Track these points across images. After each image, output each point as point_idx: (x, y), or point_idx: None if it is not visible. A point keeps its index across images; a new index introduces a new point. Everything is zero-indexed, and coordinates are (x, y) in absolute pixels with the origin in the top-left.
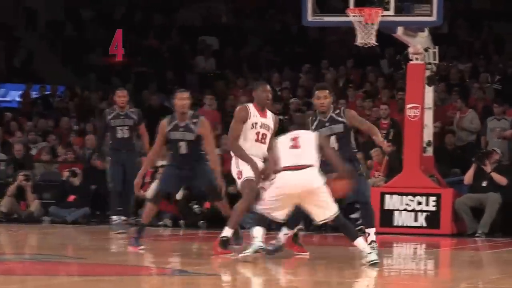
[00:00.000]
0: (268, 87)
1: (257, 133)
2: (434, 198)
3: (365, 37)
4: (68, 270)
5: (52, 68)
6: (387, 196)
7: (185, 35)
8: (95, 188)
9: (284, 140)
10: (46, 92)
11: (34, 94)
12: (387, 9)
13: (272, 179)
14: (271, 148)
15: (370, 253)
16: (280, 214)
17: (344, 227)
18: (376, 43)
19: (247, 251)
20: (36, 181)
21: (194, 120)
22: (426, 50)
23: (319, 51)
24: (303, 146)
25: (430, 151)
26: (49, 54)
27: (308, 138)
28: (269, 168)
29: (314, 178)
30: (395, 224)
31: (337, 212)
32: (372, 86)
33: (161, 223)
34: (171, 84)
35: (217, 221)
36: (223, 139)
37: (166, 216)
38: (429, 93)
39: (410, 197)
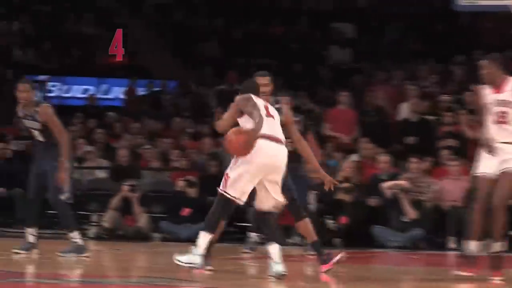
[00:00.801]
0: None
1: None
2: None
3: None
4: None
5: (161, 60)
6: None
7: (315, 21)
8: (214, 199)
9: (259, 103)
10: (155, 89)
11: (140, 91)
12: None
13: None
14: None
15: (279, 263)
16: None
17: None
18: None
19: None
20: (144, 192)
21: (277, 106)
22: None
23: (471, 39)
24: (275, 117)
25: None
26: (157, 44)
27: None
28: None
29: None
30: None
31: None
32: None
33: (290, 240)
34: (299, 79)
35: (355, 238)
36: (361, 143)
37: (296, 233)
38: None
39: None
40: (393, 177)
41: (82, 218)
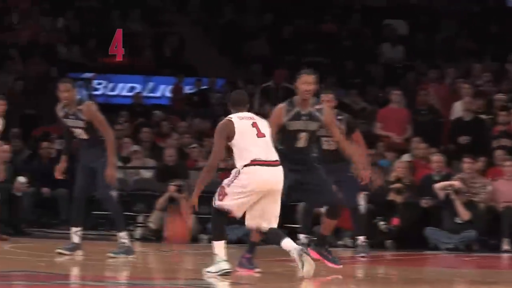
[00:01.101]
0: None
1: None
2: None
3: None
4: None
5: (207, 58)
6: None
7: (367, 18)
8: None
9: (245, 124)
10: (202, 87)
11: (187, 89)
12: None
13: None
14: None
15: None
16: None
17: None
18: None
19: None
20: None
21: (318, 107)
22: None
23: None
24: (267, 134)
25: None
26: (204, 41)
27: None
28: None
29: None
30: None
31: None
32: None
33: (340, 242)
34: (351, 77)
35: (406, 240)
36: (414, 142)
37: (347, 235)
38: None
39: None
40: (446, 177)
41: (127, 219)
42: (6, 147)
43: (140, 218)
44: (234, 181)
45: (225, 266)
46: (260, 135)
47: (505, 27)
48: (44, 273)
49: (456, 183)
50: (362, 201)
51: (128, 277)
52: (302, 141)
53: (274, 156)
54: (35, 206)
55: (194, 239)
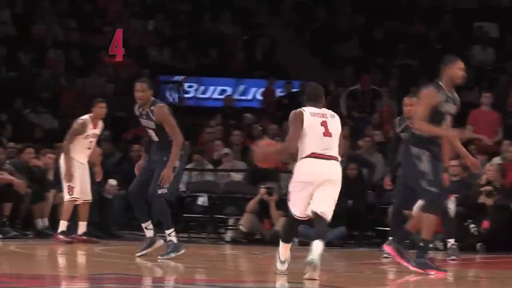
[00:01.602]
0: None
1: None
2: None
3: None
4: None
5: (299, 60)
6: None
7: (458, 20)
8: (352, 203)
9: (315, 121)
10: (293, 90)
11: (278, 92)
12: None
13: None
14: None
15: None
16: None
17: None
18: None
19: None
20: (282, 195)
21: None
22: None
23: None
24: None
25: None
26: (295, 43)
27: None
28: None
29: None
30: None
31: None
32: None
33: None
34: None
35: (497, 243)
36: (505, 145)
37: (438, 238)
38: None
39: None
40: None
41: (219, 222)
42: (98, 149)
43: (231, 221)
44: (292, 177)
45: (279, 267)
46: (326, 134)
47: None
48: (135, 275)
49: None
50: (451, 204)
51: (218, 279)
52: (446, 124)
53: (333, 152)
54: (125, 209)
55: None
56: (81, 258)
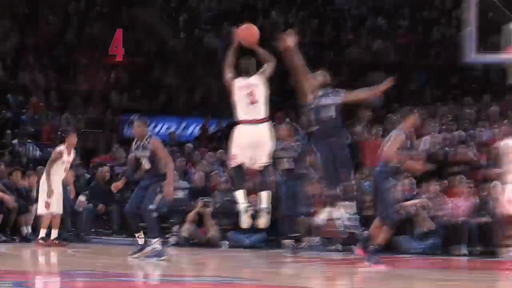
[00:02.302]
0: None
1: None
2: None
3: None
4: None
5: (229, 103)
6: None
7: None
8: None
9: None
10: (224, 125)
11: (212, 128)
12: None
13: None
14: None
15: None
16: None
17: None
18: None
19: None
20: (215, 208)
21: None
22: None
23: None
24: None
25: None
26: (226, 90)
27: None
28: None
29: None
30: None
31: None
32: None
33: None
34: None
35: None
36: None
37: None
38: None
39: None
40: None
41: (165, 229)
42: (72, 172)
43: (175, 228)
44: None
45: (241, 208)
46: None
47: None
48: (100, 271)
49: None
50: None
51: (168, 274)
52: None
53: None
54: (93, 219)
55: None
56: (56, 257)
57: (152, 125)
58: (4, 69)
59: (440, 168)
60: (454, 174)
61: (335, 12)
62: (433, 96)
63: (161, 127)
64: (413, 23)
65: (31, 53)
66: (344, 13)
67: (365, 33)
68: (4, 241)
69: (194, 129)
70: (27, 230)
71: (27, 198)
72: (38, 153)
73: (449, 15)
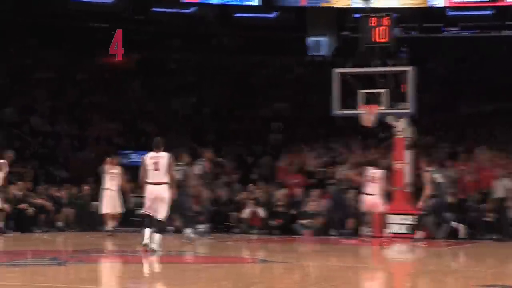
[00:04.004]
0: None
1: None
2: None
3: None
4: None
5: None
6: None
7: None
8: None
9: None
10: None
11: None
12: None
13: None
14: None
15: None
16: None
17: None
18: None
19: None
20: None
21: None
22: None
23: None
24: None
25: None
26: (183, 131)
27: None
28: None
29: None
30: None
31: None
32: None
33: None
34: None
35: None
36: None
37: None
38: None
39: None
40: None
41: None
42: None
43: None
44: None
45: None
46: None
47: None
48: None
49: None
50: None
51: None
52: None
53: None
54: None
55: None
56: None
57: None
58: (17, 112)
59: None
60: None
61: None
62: None
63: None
64: None
65: None
66: None
67: None
68: (44, 231)
69: None
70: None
71: (59, 203)
72: None
73: None
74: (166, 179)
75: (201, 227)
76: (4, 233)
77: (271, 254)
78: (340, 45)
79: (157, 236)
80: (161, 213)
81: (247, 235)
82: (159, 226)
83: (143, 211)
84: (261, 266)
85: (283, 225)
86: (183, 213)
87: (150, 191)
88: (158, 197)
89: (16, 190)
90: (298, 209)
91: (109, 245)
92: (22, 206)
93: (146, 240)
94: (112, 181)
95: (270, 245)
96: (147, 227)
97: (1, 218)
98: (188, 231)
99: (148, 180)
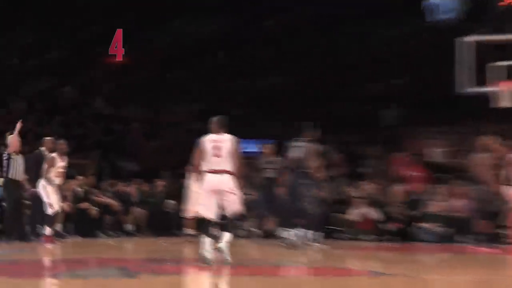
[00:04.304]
0: None
1: None
2: None
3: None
4: None
5: None
6: None
7: None
8: None
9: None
10: None
11: None
12: None
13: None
14: None
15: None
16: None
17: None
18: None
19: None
20: None
21: None
22: None
23: None
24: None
25: None
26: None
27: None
28: None
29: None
30: None
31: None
32: None
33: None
34: None
35: None
36: None
37: None
38: None
39: None
40: None
41: None
42: None
43: None
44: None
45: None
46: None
47: None
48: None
49: None
50: None
51: None
52: None
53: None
54: None
55: None
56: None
57: None
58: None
59: None
60: None
61: None
62: None
63: None
64: None
65: None
66: None
67: None
68: (110, 236)
69: None
70: (129, 227)
71: (128, 202)
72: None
73: None
74: (229, 167)
75: (310, 232)
76: (62, 237)
77: (387, 265)
78: (467, 7)
79: (227, 236)
80: (231, 207)
81: (356, 242)
82: (228, 225)
83: (197, 211)
84: (376, 281)
85: (401, 229)
86: (285, 210)
87: (208, 181)
88: (218, 190)
89: (76, 186)
90: (420, 210)
91: (188, 252)
92: (83, 205)
93: (206, 253)
94: None
95: (385, 254)
96: (207, 235)
97: (59, 220)
98: (290, 233)
99: (205, 169)
